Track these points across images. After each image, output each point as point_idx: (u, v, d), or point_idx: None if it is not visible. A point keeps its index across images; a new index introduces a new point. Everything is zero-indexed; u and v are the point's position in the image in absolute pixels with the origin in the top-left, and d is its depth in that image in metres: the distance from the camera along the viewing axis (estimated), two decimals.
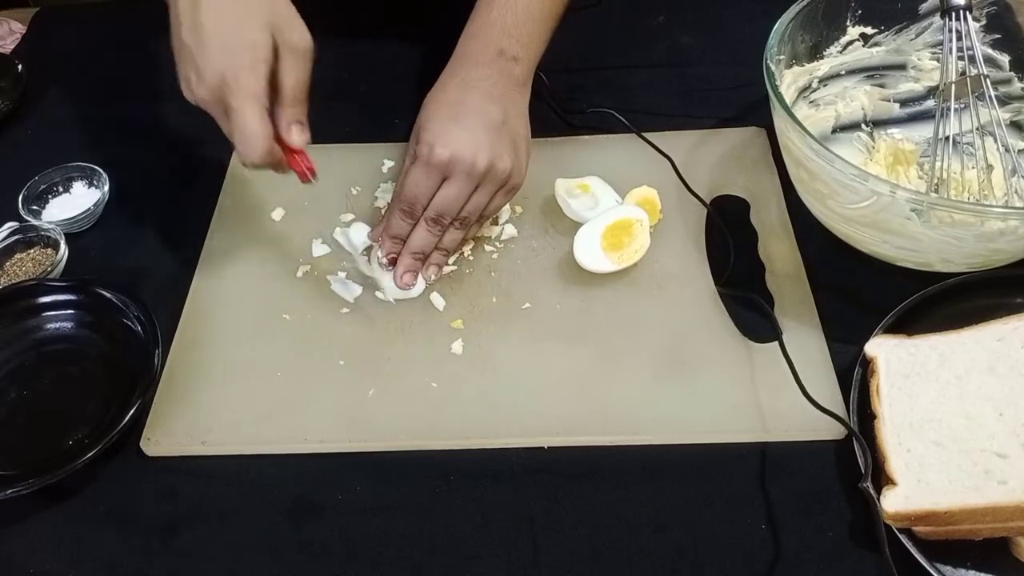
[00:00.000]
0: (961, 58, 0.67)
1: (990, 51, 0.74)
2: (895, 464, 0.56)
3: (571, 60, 0.89)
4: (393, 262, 0.71)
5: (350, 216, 0.77)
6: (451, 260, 0.73)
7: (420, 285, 0.71)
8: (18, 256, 0.77)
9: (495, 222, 0.76)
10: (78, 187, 0.83)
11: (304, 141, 0.63)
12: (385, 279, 0.71)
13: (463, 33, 0.73)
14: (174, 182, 0.84)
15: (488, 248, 0.74)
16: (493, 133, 0.68)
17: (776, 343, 0.64)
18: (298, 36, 0.61)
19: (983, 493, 0.54)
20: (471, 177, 0.67)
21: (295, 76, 0.61)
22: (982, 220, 0.59)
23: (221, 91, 0.59)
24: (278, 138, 0.61)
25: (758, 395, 0.63)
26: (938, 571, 0.53)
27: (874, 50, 0.77)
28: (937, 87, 0.71)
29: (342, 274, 0.73)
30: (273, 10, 0.61)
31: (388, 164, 0.82)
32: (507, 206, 0.76)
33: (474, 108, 0.68)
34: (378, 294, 0.71)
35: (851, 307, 0.68)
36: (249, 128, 0.59)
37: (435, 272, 0.72)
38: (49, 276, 0.74)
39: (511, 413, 0.64)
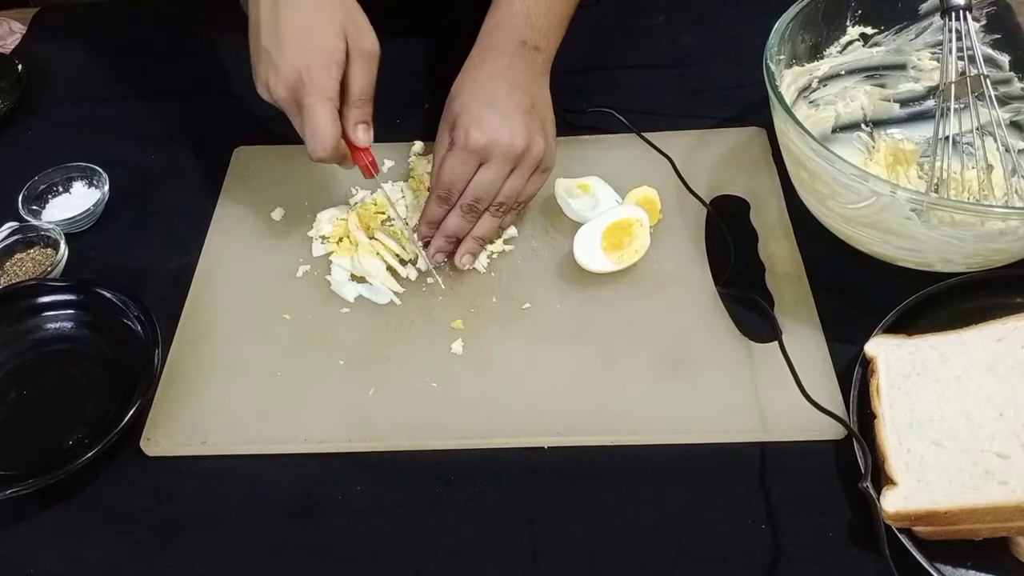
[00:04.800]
0: (961, 58, 0.67)
1: (990, 51, 0.74)
2: (895, 464, 0.56)
3: (571, 60, 0.88)
4: (428, 245, 0.72)
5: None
6: (495, 246, 0.74)
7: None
8: (18, 256, 0.77)
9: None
10: (78, 187, 0.83)
11: (368, 140, 0.68)
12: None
13: (485, 24, 0.75)
14: (174, 182, 0.84)
15: (489, 248, 0.74)
16: (526, 116, 0.69)
17: (776, 343, 0.64)
18: (369, 42, 0.67)
19: (983, 493, 0.54)
20: (507, 160, 0.68)
21: (364, 79, 0.67)
22: (982, 220, 0.59)
23: (297, 90, 0.64)
24: (344, 135, 0.67)
25: (758, 395, 0.63)
26: (938, 571, 0.53)
27: (874, 50, 0.77)
28: (937, 87, 0.71)
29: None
30: (348, 16, 0.66)
31: (388, 164, 0.82)
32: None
33: (505, 94, 0.70)
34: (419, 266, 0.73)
35: (851, 307, 0.68)
36: (321, 126, 0.64)
37: (469, 261, 0.72)
38: (49, 276, 0.74)
39: (511, 413, 0.64)
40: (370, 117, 0.68)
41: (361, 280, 0.73)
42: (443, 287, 0.72)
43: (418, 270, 0.73)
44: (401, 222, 0.74)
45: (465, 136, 0.68)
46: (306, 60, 0.64)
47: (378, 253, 0.73)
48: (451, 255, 0.72)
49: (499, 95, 0.69)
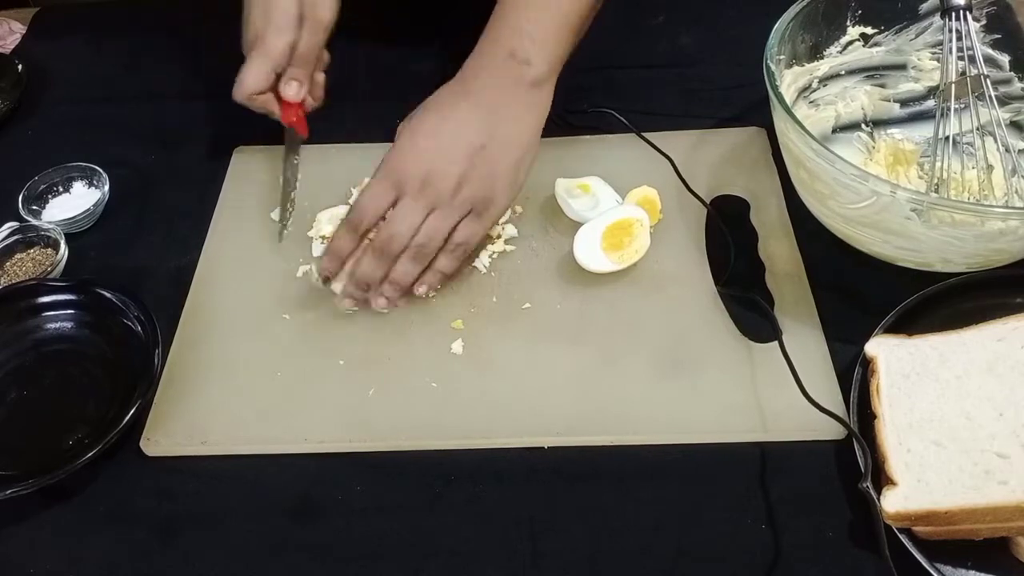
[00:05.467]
0: (961, 58, 0.67)
1: (990, 51, 0.74)
2: (895, 464, 0.56)
3: (571, 60, 0.88)
4: (326, 280, 0.67)
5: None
6: (496, 246, 0.74)
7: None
8: (18, 256, 0.77)
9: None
10: (78, 187, 0.83)
11: (297, 96, 0.74)
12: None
13: (481, 35, 0.70)
14: (174, 182, 0.84)
15: (489, 248, 0.74)
16: (468, 155, 0.64)
17: (776, 343, 0.64)
18: (323, 12, 0.73)
19: (983, 493, 0.54)
20: (422, 198, 0.63)
21: (306, 42, 0.73)
22: (982, 220, 0.59)
23: (251, 47, 0.72)
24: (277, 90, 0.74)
25: (758, 395, 0.63)
26: (938, 571, 0.53)
27: (874, 50, 0.77)
28: (937, 87, 0.71)
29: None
30: None
31: None
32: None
33: (456, 123, 0.65)
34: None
35: (851, 307, 0.68)
36: (246, 76, 0.72)
37: (384, 304, 0.67)
38: (49, 276, 0.74)
39: (511, 413, 0.64)
40: (304, 77, 0.74)
41: None
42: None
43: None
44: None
45: (384, 164, 0.64)
46: (264, 22, 0.71)
47: None
48: (365, 303, 0.67)
49: (447, 123, 0.65)
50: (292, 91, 0.73)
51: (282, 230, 0.76)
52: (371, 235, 0.65)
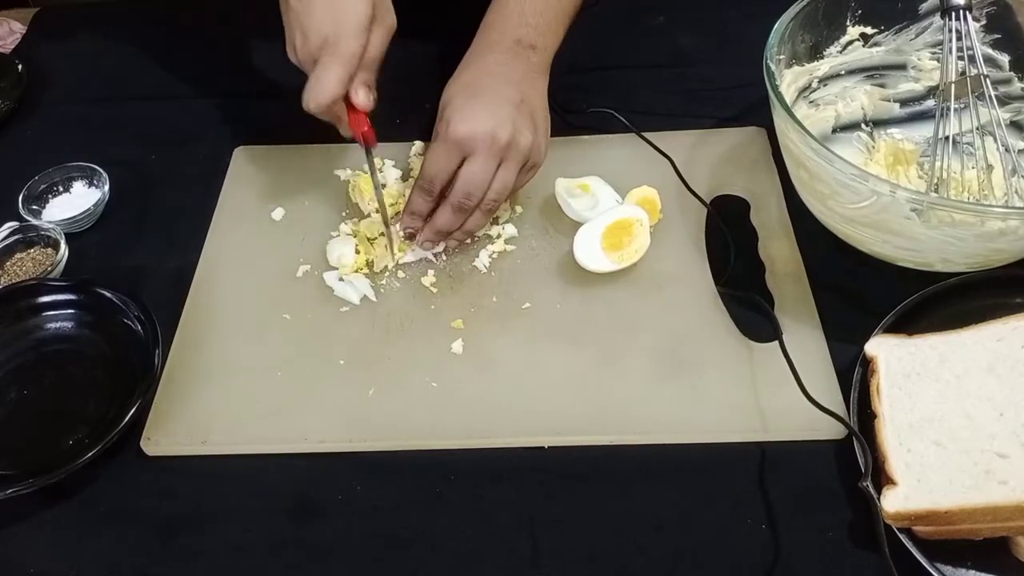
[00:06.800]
0: (961, 58, 0.67)
1: (990, 51, 0.74)
2: (895, 464, 0.56)
3: (571, 60, 0.88)
4: (411, 236, 0.73)
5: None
6: (496, 246, 0.75)
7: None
8: (18, 256, 0.77)
9: (495, 221, 0.76)
10: (78, 187, 0.83)
11: (368, 103, 0.68)
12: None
13: (481, 24, 0.75)
14: (174, 182, 0.84)
15: (489, 248, 0.74)
16: (513, 109, 0.68)
17: (776, 343, 0.64)
18: (390, 15, 0.69)
19: (983, 493, 0.54)
20: (492, 152, 0.67)
21: (378, 47, 0.68)
22: (982, 220, 0.59)
23: (320, 51, 0.65)
24: (345, 99, 0.67)
25: (758, 395, 0.63)
26: (938, 571, 0.53)
27: (874, 50, 0.77)
28: (937, 87, 0.71)
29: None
30: None
31: (388, 163, 0.82)
32: (507, 205, 0.77)
33: (493, 88, 0.69)
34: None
35: (851, 307, 0.68)
36: (326, 80, 0.65)
37: (455, 245, 0.74)
38: (49, 276, 0.74)
39: (511, 413, 0.64)
40: (373, 83, 0.69)
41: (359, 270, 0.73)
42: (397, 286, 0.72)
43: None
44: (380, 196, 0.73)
45: (447, 127, 0.67)
46: (335, 24, 0.65)
47: (357, 249, 0.73)
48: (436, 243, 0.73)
49: (486, 88, 0.69)
50: (363, 97, 0.67)
51: (391, 245, 0.73)
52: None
